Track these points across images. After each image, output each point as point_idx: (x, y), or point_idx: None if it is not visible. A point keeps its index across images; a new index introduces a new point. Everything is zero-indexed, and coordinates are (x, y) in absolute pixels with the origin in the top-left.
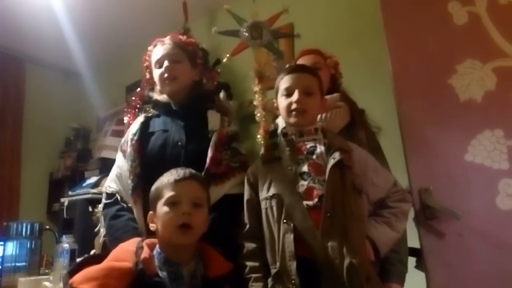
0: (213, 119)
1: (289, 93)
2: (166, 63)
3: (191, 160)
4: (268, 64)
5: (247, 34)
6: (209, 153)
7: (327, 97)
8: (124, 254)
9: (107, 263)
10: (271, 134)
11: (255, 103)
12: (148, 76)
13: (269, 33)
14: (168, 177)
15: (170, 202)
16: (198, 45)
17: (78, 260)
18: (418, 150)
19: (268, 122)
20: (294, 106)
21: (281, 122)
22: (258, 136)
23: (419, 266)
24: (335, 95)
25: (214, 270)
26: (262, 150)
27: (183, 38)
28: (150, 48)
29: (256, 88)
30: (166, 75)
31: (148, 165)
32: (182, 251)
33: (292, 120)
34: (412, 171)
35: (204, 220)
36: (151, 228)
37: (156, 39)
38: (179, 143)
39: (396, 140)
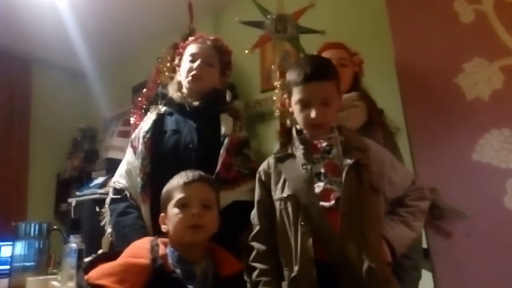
0: (226, 123)
1: (304, 104)
2: (199, 61)
3: (202, 162)
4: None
5: (271, 26)
6: (221, 158)
7: (344, 96)
8: (140, 251)
9: (124, 259)
10: (288, 130)
11: (274, 98)
12: (176, 62)
13: (293, 27)
14: (177, 180)
15: (180, 204)
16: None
17: (88, 258)
18: (425, 149)
19: (285, 118)
20: (312, 121)
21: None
22: (275, 132)
23: (426, 265)
24: (352, 94)
25: (225, 270)
26: (277, 146)
27: (224, 45)
28: (190, 38)
29: (277, 83)
30: (194, 72)
31: (158, 165)
32: (193, 250)
33: (310, 132)
34: (419, 170)
35: (214, 221)
36: (163, 230)
37: (199, 35)
38: (191, 145)
39: (403, 140)
